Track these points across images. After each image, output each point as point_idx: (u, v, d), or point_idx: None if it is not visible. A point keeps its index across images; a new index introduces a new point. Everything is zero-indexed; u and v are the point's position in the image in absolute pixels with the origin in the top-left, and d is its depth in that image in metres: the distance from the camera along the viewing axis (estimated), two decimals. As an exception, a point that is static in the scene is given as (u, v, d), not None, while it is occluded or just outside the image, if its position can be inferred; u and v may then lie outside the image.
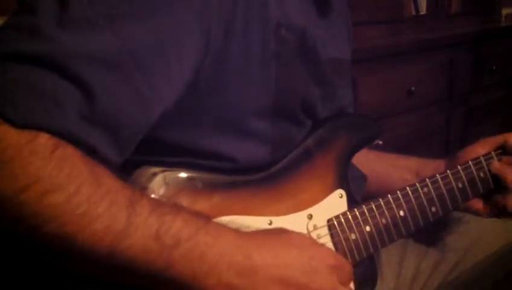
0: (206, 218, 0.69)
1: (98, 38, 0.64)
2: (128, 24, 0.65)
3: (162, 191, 0.74)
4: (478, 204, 1.00)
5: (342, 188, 0.86)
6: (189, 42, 0.70)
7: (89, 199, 0.61)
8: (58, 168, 0.60)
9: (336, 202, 0.85)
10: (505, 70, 2.42)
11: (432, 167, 1.04)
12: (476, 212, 1.01)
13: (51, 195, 0.60)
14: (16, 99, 0.60)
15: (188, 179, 0.76)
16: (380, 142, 0.91)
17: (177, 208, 0.68)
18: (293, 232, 0.76)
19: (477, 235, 1.04)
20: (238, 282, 0.67)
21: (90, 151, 0.63)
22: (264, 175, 0.81)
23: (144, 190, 0.73)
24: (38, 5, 0.64)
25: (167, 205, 0.69)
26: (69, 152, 0.62)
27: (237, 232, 0.71)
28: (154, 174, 0.74)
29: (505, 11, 2.78)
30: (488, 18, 2.66)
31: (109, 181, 0.63)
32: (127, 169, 0.73)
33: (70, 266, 0.66)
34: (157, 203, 0.67)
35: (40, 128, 0.60)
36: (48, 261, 0.66)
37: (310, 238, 0.79)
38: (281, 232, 0.75)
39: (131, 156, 0.72)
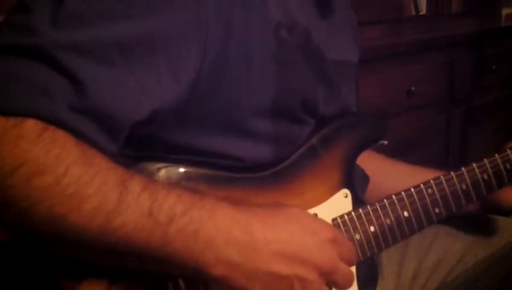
0: (201, 193, 0.68)
1: (90, 33, 0.64)
2: (122, 22, 0.66)
3: None
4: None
5: (347, 188, 0.86)
6: (186, 43, 0.70)
7: (78, 180, 0.61)
8: (46, 150, 0.60)
9: (341, 202, 0.85)
10: (505, 70, 2.42)
11: None
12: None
13: (38, 177, 0.59)
14: (3, 88, 0.61)
15: (192, 174, 0.75)
16: (385, 142, 0.91)
17: (170, 186, 0.67)
18: (292, 207, 0.74)
19: (477, 235, 1.04)
20: (237, 258, 0.66)
21: (79, 136, 0.63)
22: (269, 173, 0.81)
23: None
24: (33, 4, 0.65)
25: (160, 183, 0.68)
26: (58, 135, 0.61)
27: (235, 207, 0.69)
28: (159, 169, 0.73)
29: (505, 11, 2.78)
30: (488, 18, 2.67)
31: (100, 161, 0.63)
32: (131, 165, 0.72)
33: (64, 251, 0.65)
34: (150, 181, 0.66)
35: (28, 115, 0.61)
36: (42, 250, 0.66)
37: (309, 213, 0.78)
38: (280, 207, 0.73)
39: (134, 154, 0.72)
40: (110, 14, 0.65)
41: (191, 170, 0.75)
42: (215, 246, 0.65)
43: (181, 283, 0.70)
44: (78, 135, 0.63)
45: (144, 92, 0.68)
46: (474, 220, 1.08)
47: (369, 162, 1.03)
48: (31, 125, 0.60)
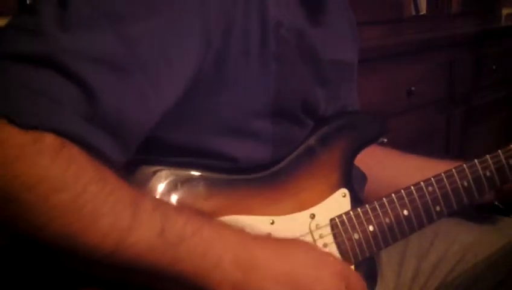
0: (208, 216, 0.70)
1: (99, 38, 0.64)
2: (128, 24, 0.66)
3: (163, 189, 0.74)
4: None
5: (346, 187, 0.86)
6: (190, 42, 0.70)
7: (95, 198, 0.61)
8: (65, 168, 0.60)
9: (339, 202, 0.85)
10: (505, 70, 2.42)
11: None
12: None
13: (57, 194, 0.60)
14: (19, 100, 0.61)
15: (190, 177, 0.76)
16: (385, 140, 0.91)
17: (179, 207, 0.68)
18: (302, 240, 0.75)
19: (477, 235, 1.04)
20: (241, 278, 0.67)
21: (94, 151, 0.63)
22: (266, 174, 0.81)
23: (144, 187, 0.73)
24: (40, 6, 0.65)
25: (170, 204, 0.70)
26: (75, 152, 0.62)
27: (240, 230, 0.71)
28: (155, 172, 0.74)
29: (505, 11, 2.78)
30: (488, 18, 2.67)
31: (113, 180, 0.64)
32: (128, 168, 0.73)
33: (74, 265, 0.65)
34: (160, 201, 0.67)
35: (44, 128, 0.61)
36: (50, 262, 0.66)
37: (316, 245, 0.79)
38: (289, 239, 0.75)
39: (133, 156, 0.72)
40: (118, 17, 0.65)
41: (190, 173, 0.76)
42: (222, 267, 0.66)
43: None
44: (91, 148, 0.63)
45: (159, 97, 0.68)
46: (474, 220, 1.08)
47: (377, 156, 1.03)
48: (50, 141, 0.61)
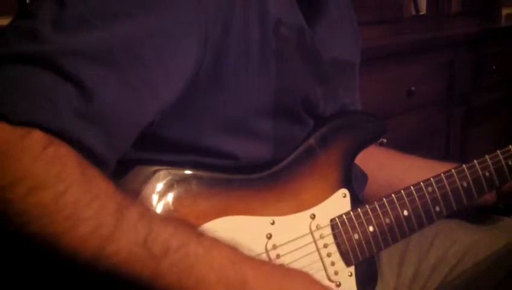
0: (200, 230, 0.68)
1: (93, 36, 0.64)
2: (123, 22, 0.66)
3: (162, 189, 0.74)
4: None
5: (346, 188, 0.86)
6: (187, 41, 0.70)
7: (76, 201, 0.60)
8: (48, 167, 0.59)
9: (339, 202, 0.85)
10: (505, 70, 2.42)
11: None
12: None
13: (37, 193, 0.58)
14: (10, 97, 0.60)
15: (190, 177, 0.75)
16: (384, 141, 0.91)
17: (168, 218, 0.67)
18: (303, 271, 0.72)
19: (477, 235, 1.04)
20: None
21: (84, 149, 0.62)
22: (267, 174, 0.81)
23: (144, 187, 0.72)
24: (37, 9, 0.65)
25: (158, 214, 0.68)
26: (62, 151, 0.61)
27: (234, 249, 0.68)
28: (155, 172, 0.73)
29: (505, 11, 2.78)
30: (488, 18, 2.67)
31: (101, 185, 0.62)
32: (127, 167, 0.73)
33: (56, 276, 0.63)
34: (148, 211, 0.66)
35: (34, 125, 0.60)
36: (33, 272, 0.64)
37: (321, 282, 0.75)
38: (290, 267, 0.73)
39: (133, 155, 0.72)
40: (113, 15, 0.65)
41: (190, 172, 0.75)
42: (206, 284, 0.64)
43: None
44: (81, 145, 0.62)
45: (152, 94, 0.67)
46: (474, 220, 1.08)
47: (377, 157, 1.03)
48: (36, 138, 0.60)
